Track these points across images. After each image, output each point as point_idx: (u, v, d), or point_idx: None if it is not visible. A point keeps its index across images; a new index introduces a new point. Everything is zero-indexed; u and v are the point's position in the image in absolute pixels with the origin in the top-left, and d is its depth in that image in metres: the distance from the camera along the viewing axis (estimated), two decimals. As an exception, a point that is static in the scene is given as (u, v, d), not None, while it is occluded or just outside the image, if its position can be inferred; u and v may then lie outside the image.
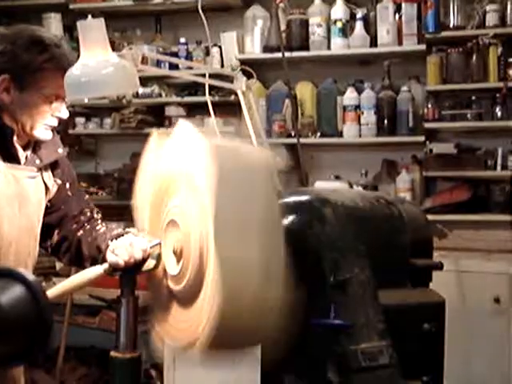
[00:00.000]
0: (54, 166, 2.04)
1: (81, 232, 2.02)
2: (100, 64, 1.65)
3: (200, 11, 2.28)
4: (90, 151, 5.10)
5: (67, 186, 2.07)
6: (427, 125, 4.15)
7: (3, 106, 1.89)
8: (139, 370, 1.71)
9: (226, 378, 1.64)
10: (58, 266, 3.95)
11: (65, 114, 1.94)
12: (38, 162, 1.98)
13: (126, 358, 1.68)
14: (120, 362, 1.67)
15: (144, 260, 1.70)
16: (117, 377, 1.68)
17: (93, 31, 1.67)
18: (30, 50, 1.86)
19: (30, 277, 1.42)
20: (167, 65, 4.43)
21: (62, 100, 1.91)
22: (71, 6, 4.74)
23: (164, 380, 1.64)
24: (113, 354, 1.69)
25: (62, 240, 2.05)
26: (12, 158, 1.92)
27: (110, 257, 1.75)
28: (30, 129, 1.90)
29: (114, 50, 1.83)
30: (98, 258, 1.88)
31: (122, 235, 1.86)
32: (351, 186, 4.25)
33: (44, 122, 1.91)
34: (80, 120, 4.92)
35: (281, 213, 1.51)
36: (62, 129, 4.83)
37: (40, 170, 2.00)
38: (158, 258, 1.68)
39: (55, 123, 1.94)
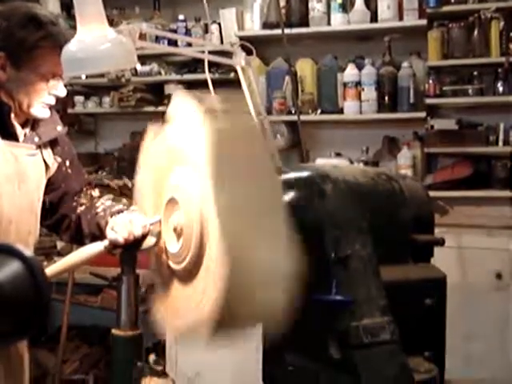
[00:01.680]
0: (53, 144, 2.04)
1: (81, 209, 2.01)
2: (97, 40, 1.62)
3: (198, -14, 2.24)
4: (90, 130, 5.08)
5: (67, 163, 2.06)
6: (428, 101, 4.12)
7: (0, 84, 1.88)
8: (140, 347, 1.71)
9: (228, 356, 1.65)
10: (60, 245, 3.95)
11: (62, 92, 1.93)
12: (36, 139, 1.97)
13: (127, 335, 1.68)
14: (121, 340, 1.68)
15: (144, 237, 1.70)
16: (118, 354, 1.68)
17: (89, 6, 1.64)
18: (26, 27, 1.85)
19: (28, 253, 1.42)
20: (166, 43, 4.39)
21: (59, 78, 1.89)
22: (68, -16, 4.69)
23: (166, 358, 1.65)
24: (114, 331, 1.70)
25: (62, 218, 2.05)
26: (10, 136, 1.91)
27: (110, 234, 1.74)
28: (27, 107, 1.89)
29: (112, 27, 1.81)
30: (97, 235, 1.88)
31: (122, 211, 1.85)
32: (352, 163, 4.24)
33: (41, 100, 1.90)
34: (79, 99, 4.90)
35: (281, 189, 1.50)
36: (61, 108, 4.81)
37: (39, 147, 1.99)
38: (158, 235, 1.68)
39: (53, 101, 1.93)
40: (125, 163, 4.46)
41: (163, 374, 1.74)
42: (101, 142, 5.09)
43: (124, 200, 1.93)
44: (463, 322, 3.54)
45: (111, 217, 1.85)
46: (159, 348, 3.42)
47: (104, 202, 2.00)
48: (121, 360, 1.69)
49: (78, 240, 2.00)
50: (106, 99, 4.84)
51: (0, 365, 1.93)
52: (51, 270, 1.64)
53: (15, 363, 2.00)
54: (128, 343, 1.69)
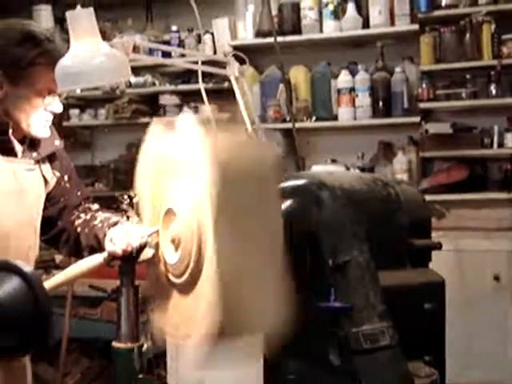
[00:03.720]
0: (51, 159, 2.05)
1: (79, 222, 2.02)
2: (90, 54, 1.63)
3: (190, -2, 2.25)
4: (86, 143, 5.09)
5: (65, 178, 2.07)
6: (422, 105, 4.14)
7: None
8: (142, 359, 1.71)
9: (229, 368, 1.64)
10: (58, 258, 3.95)
11: (58, 109, 1.94)
12: (35, 154, 1.98)
13: (127, 348, 1.68)
14: (122, 352, 1.67)
15: (142, 248, 1.70)
16: (119, 367, 1.68)
17: (82, 21, 1.65)
18: (22, 45, 1.85)
19: (27, 268, 1.42)
20: (160, 54, 4.41)
21: (55, 94, 1.90)
22: (61, -3, 4.71)
23: (167, 369, 1.64)
24: (114, 344, 1.69)
25: (60, 231, 2.05)
26: (9, 152, 1.92)
27: (108, 245, 1.75)
28: (26, 126, 1.91)
29: (105, 40, 1.81)
30: (96, 247, 1.88)
31: (120, 223, 1.86)
32: (348, 169, 4.25)
33: (39, 118, 1.91)
34: (74, 112, 4.91)
35: (280, 206, 1.50)
36: (57, 121, 4.80)
37: (38, 162, 2.00)
38: (156, 246, 1.68)
39: (50, 118, 1.94)
40: (121, 175, 4.47)
41: (164, 385, 1.74)
42: (97, 154, 5.09)
43: (122, 213, 1.93)
44: (463, 324, 3.55)
45: (109, 228, 1.85)
46: (160, 358, 3.42)
47: (102, 214, 2.01)
48: (122, 373, 1.69)
49: (77, 253, 2.01)
50: (102, 111, 4.86)
51: (2, 378, 1.93)
52: (50, 283, 1.64)
53: (18, 376, 2.00)
54: (129, 355, 1.69)
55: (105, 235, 1.83)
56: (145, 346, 1.73)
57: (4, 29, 1.89)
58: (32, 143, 1.98)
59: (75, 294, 3.63)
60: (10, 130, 1.91)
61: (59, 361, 3.66)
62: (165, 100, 4.70)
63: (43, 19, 4.77)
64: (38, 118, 1.91)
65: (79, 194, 2.09)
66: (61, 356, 3.64)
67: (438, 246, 1.82)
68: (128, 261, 1.71)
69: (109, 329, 1.84)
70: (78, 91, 1.85)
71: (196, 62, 2.35)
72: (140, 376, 1.68)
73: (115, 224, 1.86)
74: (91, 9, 1.69)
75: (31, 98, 1.88)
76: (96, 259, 1.74)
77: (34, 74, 1.86)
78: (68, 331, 3.62)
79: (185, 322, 1.53)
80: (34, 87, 1.87)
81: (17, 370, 1.99)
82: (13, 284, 1.39)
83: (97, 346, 3.87)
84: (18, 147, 1.95)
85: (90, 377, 3.94)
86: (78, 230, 2.00)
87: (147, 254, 1.71)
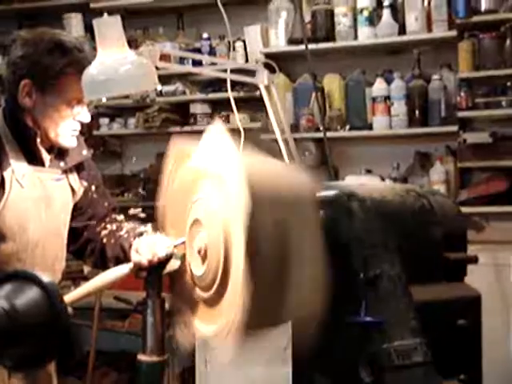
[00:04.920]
0: (79, 169, 2.08)
1: (105, 233, 2.04)
2: (117, 62, 1.66)
3: (220, 5, 2.28)
4: (116, 152, 5.13)
5: (93, 188, 2.10)
6: (460, 114, 4.09)
7: (26, 110, 1.92)
8: (167, 373, 1.72)
9: (258, 378, 1.64)
10: (86, 269, 3.99)
11: (87, 118, 1.97)
12: (62, 164, 2.02)
13: (153, 361, 1.69)
14: (147, 366, 1.68)
15: (168, 259, 1.71)
16: (143, 381, 1.69)
17: (109, 29, 1.68)
18: (51, 54, 1.89)
19: (46, 279, 1.44)
20: (190, 61, 4.44)
21: (84, 103, 1.93)
22: (92, 6, 4.77)
23: (196, 382, 1.65)
24: (139, 357, 1.70)
25: (86, 242, 2.08)
26: (36, 161, 1.96)
27: (134, 256, 1.77)
28: (54, 135, 1.94)
29: (136, 48, 1.84)
30: (121, 257, 1.90)
31: (146, 233, 1.88)
32: (383, 180, 4.22)
33: (67, 128, 1.94)
34: (104, 121, 4.96)
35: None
36: (87, 130, 4.87)
37: (65, 172, 2.03)
38: (183, 258, 1.69)
39: (78, 127, 1.97)
40: (151, 185, 4.51)
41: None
42: (126, 164, 5.13)
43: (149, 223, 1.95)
44: (501, 342, 3.49)
45: (135, 239, 1.87)
46: (189, 373, 3.43)
47: (127, 225, 2.03)
48: (147, 386, 1.70)
49: (102, 264, 2.03)
50: (131, 120, 4.90)
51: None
52: (73, 295, 1.66)
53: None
54: (154, 369, 1.70)
55: (130, 245, 1.85)
56: (171, 359, 1.74)
57: (34, 37, 1.93)
58: (60, 153, 2.01)
59: (103, 306, 3.66)
60: (38, 140, 1.94)
61: (87, 375, 3.69)
62: (195, 109, 4.72)
63: (73, 27, 4.84)
64: (66, 127, 1.94)
65: (106, 204, 2.12)
66: (88, 370, 3.67)
67: (474, 260, 1.79)
68: (154, 272, 1.73)
69: (136, 342, 1.85)
70: (104, 100, 1.86)
71: (226, 70, 2.37)
72: (165, 390, 1.68)
73: (141, 234, 1.88)
74: (118, 17, 1.72)
75: (59, 107, 1.91)
76: (121, 270, 1.76)
77: (63, 83, 1.89)
78: (95, 344, 3.65)
79: (212, 333, 1.53)
80: (63, 96, 1.90)
81: (43, 380, 2.02)
82: (32, 294, 1.41)
83: (125, 359, 3.89)
84: (46, 156, 1.98)
85: (118, 391, 3.97)
86: (104, 240, 2.03)
87: (174, 265, 1.72)
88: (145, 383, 1.69)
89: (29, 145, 1.94)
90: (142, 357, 1.70)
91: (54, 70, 1.89)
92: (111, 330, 3.85)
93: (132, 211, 3.30)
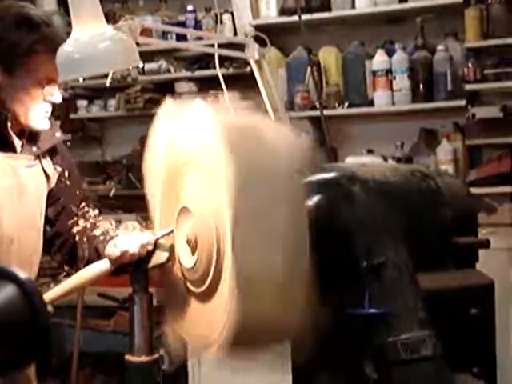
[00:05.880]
0: (52, 153, 2.07)
1: (78, 229, 2.04)
2: (94, 38, 1.65)
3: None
4: (95, 137, 5.12)
5: (66, 174, 2.09)
6: (468, 87, 4.10)
7: None
8: (156, 373, 1.73)
9: (254, 379, 1.65)
10: (67, 265, 3.99)
11: (58, 99, 1.96)
12: (35, 149, 2.01)
13: (141, 361, 1.69)
14: (135, 367, 1.69)
15: (149, 253, 1.72)
16: (133, 382, 1.69)
17: (84, 2, 1.67)
18: (17, 30, 1.88)
19: (23, 276, 1.44)
20: (174, 36, 4.42)
21: (55, 83, 1.92)
22: (65, -22, 4.74)
23: (189, 382, 1.66)
24: (127, 357, 1.71)
25: (55, 236, 2.07)
26: (7, 147, 1.95)
27: (108, 250, 1.78)
28: (25, 118, 1.93)
29: (115, 23, 1.83)
30: (94, 260, 1.89)
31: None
32: (386, 160, 4.22)
33: (38, 110, 1.93)
34: (82, 103, 4.94)
35: (305, 199, 1.50)
36: (64, 114, 4.86)
37: (38, 157, 2.02)
38: (171, 249, 1.69)
39: (49, 109, 1.96)
40: (135, 171, 4.50)
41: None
42: (107, 150, 5.12)
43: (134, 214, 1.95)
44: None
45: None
46: (180, 373, 3.44)
47: (103, 224, 2.02)
48: (135, 388, 1.70)
49: (70, 262, 2.04)
50: (112, 102, 4.88)
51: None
52: (53, 292, 1.66)
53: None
54: (143, 369, 1.70)
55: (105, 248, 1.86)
56: (161, 359, 1.75)
57: None
58: (31, 137, 2.00)
59: (86, 304, 3.67)
60: (9, 124, 1.94)
61: (70, 378, 3.70)
62: (181, 88, 4.71)
63: (46, 2, 4.81)
64: (37, 109, 1.93)
65: (78, 193, 2.11)
66: (72, 372, 3.68)
67: (486, 244, 1.80)
68: (139, 266, 1.73)
69: (123, 341, 1.86)
70: (81, 80, 1.85)
71: (213, 46, 2.36)
72: (156, 392, 1.69)
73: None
74: (94, -12, 1.71)
75: (29, 88, 1.90)
76: (101, 266, 1.76)
77: (32, 61, 1.88)
78: (78, 344, 3.66)
79: (204, 328, 1.53)
80: (32, 76, 1.89)
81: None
82: (7, 292, 1.41)
83: (111, 360, 3.91)
84: (17, 141, 1.97)
85: (105, 395, 3.98)
86: (76, 238, 2.02)
87: (161, 257, 1.72)
88: (134, 384, 1.70)
89: None
90: (129, 357, 1.71)
91: (22, 47, 1.88)
92: (95, 330, 3.86)
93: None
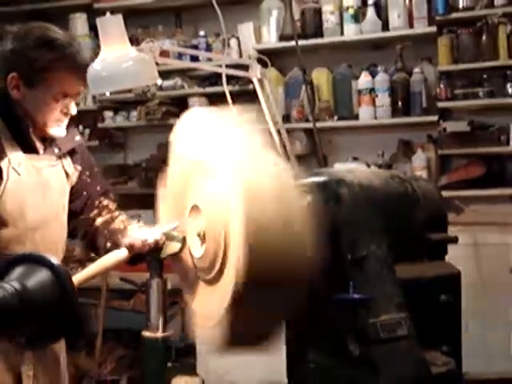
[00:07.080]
0: (72, 154, 2.07)
1: (99, 221, 2.04)
2: (119, 58, 1.65)
3: (215, 4, 2.26)
4: (119, 143, 5.11)
5: (87, 172, 2.09)
6: (440, 104, 4.09)
7: (17, 102, 1.91)
8: (170, 348, 1.72)
9: (254, 357, 1.64)
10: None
11: (73, 111, 1.96)
12: (56, 151, 2.01)
13: (156, 337, 1.69)
14: (150, 341, 1.69)
15: (158, 244, 1.72)
16: (147, 355, 1.69)
17: (111, 27, 1.67)
18: (38, 48, 1.87)
19: (56, 261, 1.44)
20: (188, 57, 4.41)
21: (71, 97, 1.92)
22: (95, 6, 4.73)
23: (197, 359, 1.65)
24: (144, 333, 1.71)
25: (79, 226, 2.08)
26: (31, 150, 1.95)
27: (127, 239, 1.78)
28: (43, 126, 1.93)
29: (137, 45, 1.82)
30: (113, 248, 1.88)
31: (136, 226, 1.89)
32: (369, 167, 4.21)
33: (54, 120, 1.93)
34: (108, 114, 4.93)
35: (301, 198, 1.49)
36: (92, 123, 4.86)
37: (59, 158, 2.02)
38: (183, 240, 1.69)
39: (65, 119, 1.96)
40: (152, 173, 4.49)
41: (193, 373, 1.75)
42: (129, 154, 5.12)
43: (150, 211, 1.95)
44: (480, 317, 3.50)
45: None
46: (191, 348, 3.44)
47: (120, 217, 2.03)
48: (152, 361, 1.70)
49: (93, 250, 2.04)
50: (134, 113, 4.86)
51: (38, 365, 1.95)
52: (78, 276, 1.66)
53: (51, 364, 2.02)
54: (158, 344, 1.70)
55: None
56: (173, 335, 1.75)
57: (23, 32, 1.91)
58: (53, 140, 2.00)
59: (109, 286, 3.67)
60: (31, 129, 1.93)
61: (95, 350, 3.70)
62: (193, 102, 4.69)
63: (79, 27, 4.81)
64: (54, 119, 1.93)
65: (99, 188, 2.11)
66: (97, 346, 3.68)
67: (455, 240, 1.79)
68: (155, 255, 1.73)
69: (140, 319, 1.85)
70: (108, 94, 1.84)
71: (221, 66, 2.35)
72: (169, 364, 1.68)
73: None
74: (120, 16, 1.71)
75: (47, 101, 1.90)
76: (120, 254, 1.76)
77: (49, 77, 1.87)
78: (103, 322, 3.65)
79: (209, 311, 1.53)
80: (50, 90, 1.88)
81: (50, 357, 2.02)
82: (42, 275, 1.41)
83: (130, 336, 3.91)
84: (39, 145, 1.97)
85: (125, 365, 3.98)
86: (99, 228, 2.02)
87: (174, 248, 1.72)
88: (149, 357, 1.69)
89: (22, 135, 1.93)
90: (146, 333, 1.71)
91: (40, 64, 1.87)
92: (117, 309, 3.86)
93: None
